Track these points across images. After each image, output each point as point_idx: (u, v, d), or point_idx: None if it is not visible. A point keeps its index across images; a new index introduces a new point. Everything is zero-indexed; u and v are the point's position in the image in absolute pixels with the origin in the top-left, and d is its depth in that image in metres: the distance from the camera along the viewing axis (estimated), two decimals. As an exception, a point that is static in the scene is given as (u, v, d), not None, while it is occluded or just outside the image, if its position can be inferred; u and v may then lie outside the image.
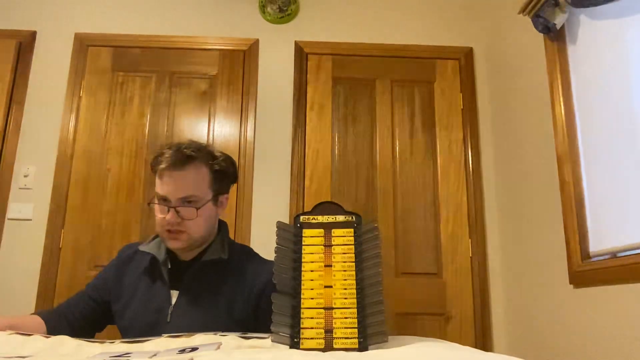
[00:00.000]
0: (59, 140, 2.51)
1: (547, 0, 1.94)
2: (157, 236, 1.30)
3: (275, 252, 0.85)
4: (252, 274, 1.24)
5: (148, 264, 1.27)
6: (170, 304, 1.20)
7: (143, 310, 1.22)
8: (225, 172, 1.28)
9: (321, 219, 0.86)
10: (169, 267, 1.26)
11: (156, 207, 1.22)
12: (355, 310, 0.78)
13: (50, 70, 2.60)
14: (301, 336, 0.76)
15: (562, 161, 1.93)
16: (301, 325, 0.77)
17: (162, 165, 1.20)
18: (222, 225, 1.33)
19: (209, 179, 1.24)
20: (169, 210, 1.18)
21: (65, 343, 0.83)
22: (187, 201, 1.20)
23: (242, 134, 2.59)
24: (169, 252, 1.27)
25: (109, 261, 1.38)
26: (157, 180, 1.22)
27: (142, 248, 1.28)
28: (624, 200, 1.62)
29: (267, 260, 1.29)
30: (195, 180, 1.22)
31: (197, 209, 1.20)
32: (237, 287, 1.23)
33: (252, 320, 1.20)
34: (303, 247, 0.84)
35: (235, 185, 1.40)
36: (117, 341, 0.88)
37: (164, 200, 1.20)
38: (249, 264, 1.28)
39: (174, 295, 1.22)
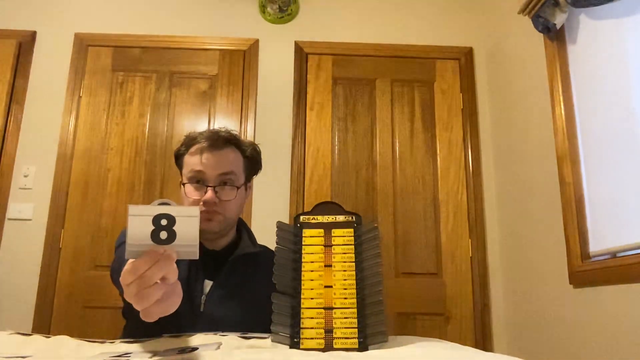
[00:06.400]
0: (59, 140, 2.51)
1: (547, 0, 1.94)
2: None
3: (275, 252, 0.85)
4: None
5: None
6: (203, 293, 1.16)
7: None
8: (254, 160, 1.27)
9: (321, 219, 0.86)
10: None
11: (188, 187, 1.17)
12: (355, 310, 0.78)
13: (50, 70, 2.60)
14: (301, 336, 0.76)
15: (562, 161, 1.93)
16: (301, 325, 0.77)
17: (202, 144, 1.17)
18: (240, 219, 1.30)
19: (242, 163, 1.23)
20: (206, 191, 1.15)
21: (65, 343, 0.83)
22: (224, 181, 1.17)
23: (242, 134, 2.58)
24: None
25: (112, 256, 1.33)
26: (192, 160, 1.18)
27: None
28: (624, 200, 1.62)
29: None
30: (235, 159, 1.20)
31: (238, 188, 1.18)
32: (271, 282, 1.23)
33: None
34: (303, 247, 0.84)
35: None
36: (117, 341, 0.88)
37: (199, 179, 1.17)
38: None
39: (208, 285, 1.18)
